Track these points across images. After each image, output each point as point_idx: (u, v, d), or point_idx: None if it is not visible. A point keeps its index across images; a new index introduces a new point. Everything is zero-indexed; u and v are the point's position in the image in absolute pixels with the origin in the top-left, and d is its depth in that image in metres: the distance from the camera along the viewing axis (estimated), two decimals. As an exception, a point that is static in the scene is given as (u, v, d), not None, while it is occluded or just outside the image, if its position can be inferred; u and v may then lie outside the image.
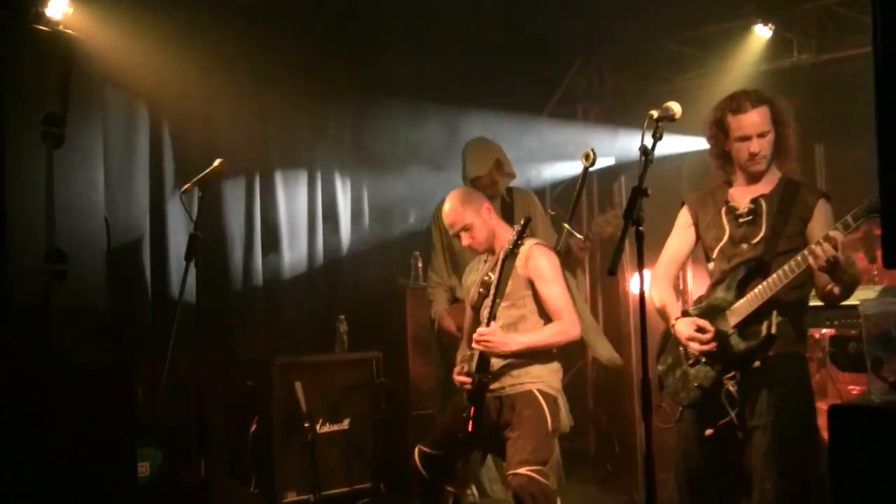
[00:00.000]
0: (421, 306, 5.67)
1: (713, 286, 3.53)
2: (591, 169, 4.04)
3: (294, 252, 6.21)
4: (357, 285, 6.52)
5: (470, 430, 3.78)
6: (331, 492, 5.35)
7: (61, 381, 3.80)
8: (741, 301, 3.38)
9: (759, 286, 3.33)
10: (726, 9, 6.17)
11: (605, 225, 5.34)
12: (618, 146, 6.57)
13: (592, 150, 3.98)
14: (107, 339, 4.10)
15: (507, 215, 4.94)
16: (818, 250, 3.09)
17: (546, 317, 3.96)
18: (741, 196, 3.54)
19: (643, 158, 3.01)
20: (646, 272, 3.05)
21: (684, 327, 3.46)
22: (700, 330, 3.41)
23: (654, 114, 3.07)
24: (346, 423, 5.53)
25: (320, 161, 6.42)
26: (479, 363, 3.87)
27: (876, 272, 5.01)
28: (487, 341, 3.82)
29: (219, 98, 5.68)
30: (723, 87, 5.22)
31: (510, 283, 3.88)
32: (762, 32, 6.21)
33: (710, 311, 3.47)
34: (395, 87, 6.46)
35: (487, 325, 3.83)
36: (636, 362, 5.70)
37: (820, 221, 3.37)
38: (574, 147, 6.65)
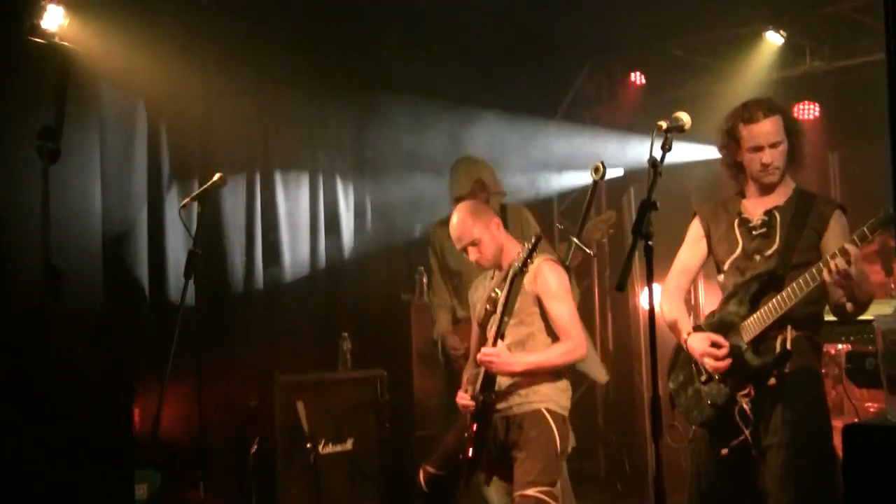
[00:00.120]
0: (426, 323, 5.60)
1: (725, 300, 3.45)
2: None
3: (296, 263, 6.11)
4: (360, 301, 6.42)
5: (470, 456, 3.73)
6: (334, 515, 5.26)
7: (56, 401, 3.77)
8: (754, 316, 3.30)
9: (773, 301, 3.25)
10: (738, 14, 6.10)
11: (594, 230, 5.24)
12: (628, 155, 6.45)
13: (602, 163, 3.95)
14: (105, 350, 4.08)
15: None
16: (832, 264, 3.01)
17: (554, 334, 3.87)
18: (754, 208, 3.46)
19: (652, 171, 2.93)
20: (656, 286, 2.95)
21: (698, 343, 3.38)
22: (715, 345, 3.32)
23: (663, 124, 2.99)
24: (349, 444, 5.45)
25: (321, 164, 6.35)
26: (484, 382, 3.79)
27: (893, 285, 4.94)
28: (491, 362, 3.74)
29: (218, 99, 5.62)
30: (734, 94, 5.15)
31: (518, 299, 3.79)
32: (774, 39, 6.15)
33: (723, 325, 3.39)
34: (397, 89, 6.38)
35: (494, 343, 3.75)
36: (647, 380, 5.61)
37: (835, 234, 3.30)
38: (584, 157, 6.53)
